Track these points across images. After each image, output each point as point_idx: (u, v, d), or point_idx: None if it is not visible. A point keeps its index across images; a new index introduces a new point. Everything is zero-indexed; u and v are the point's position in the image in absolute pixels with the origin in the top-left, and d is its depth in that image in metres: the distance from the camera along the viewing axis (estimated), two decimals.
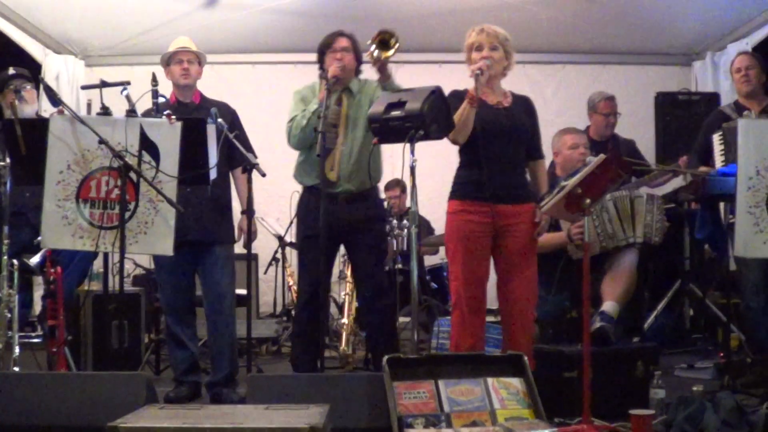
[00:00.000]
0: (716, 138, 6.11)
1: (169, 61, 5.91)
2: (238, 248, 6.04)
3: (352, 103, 5.66)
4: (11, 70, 6.13)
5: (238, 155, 5.58)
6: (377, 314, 5.73)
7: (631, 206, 5.85)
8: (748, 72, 6.27)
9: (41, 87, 6.18)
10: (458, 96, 4.96)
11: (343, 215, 5.50)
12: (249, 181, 5.49)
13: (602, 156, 4.59)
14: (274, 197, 8.71)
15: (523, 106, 5.22)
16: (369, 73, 5.71)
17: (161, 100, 5.63)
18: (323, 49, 5.69)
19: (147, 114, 5.52)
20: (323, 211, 5.07)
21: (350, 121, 5.61)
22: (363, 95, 5.69)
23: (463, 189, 5.08)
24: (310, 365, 5.50)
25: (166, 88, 5.88)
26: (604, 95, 7.51)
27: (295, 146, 5.70)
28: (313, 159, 5.50)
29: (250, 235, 5.63)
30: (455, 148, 5.11)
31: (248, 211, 5.57)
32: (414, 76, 9.29)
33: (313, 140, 5.41)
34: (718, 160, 6.05)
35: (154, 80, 5.48)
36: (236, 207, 6.03)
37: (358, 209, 5.54)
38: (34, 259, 5.51)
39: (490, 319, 5.34)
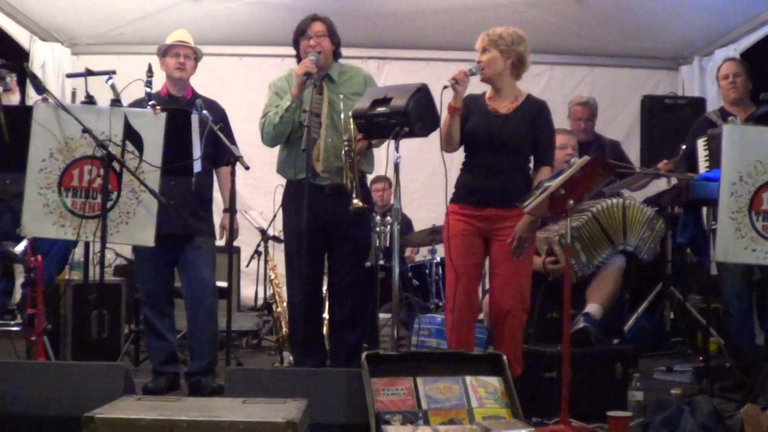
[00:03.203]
0: (701, 143, 6.10)
1: (165, 52, 5.88)
2: (220, 242, 6.03)
3: (334, 90, 5.51)
4: None
5: (222, 149, 5.55)
6: (350, 309, 5.64)
7: (623, 214, 5.81)
8: (735, 79, 6.20)
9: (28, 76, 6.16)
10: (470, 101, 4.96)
11: (328, 208, 5.39)
12: (232, 173, 5.45)
13: (586, 158, 4.59)
14: (259, 191, 8.72)
15: (530, 113, 5.09)
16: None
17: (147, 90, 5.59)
18: (297, 36, 5.57)
19: (138, 104, 5.49)
20: (306, 206, 5.04)
21: (333, 110, 5.44)
22: (345, 82, 5.59)
23: (458, 193, 5.09)
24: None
25: (159, 79, 5.84)
26: (577, 100, 7.52)
27: (269, 143, 5.60)
28: (297, 153, 5.43)
29: (232, 230, 5.59)
30: (438, 148, 5.05)
31: (231, 206, 5.53)
32: (402, 73, 9.39)
33: (294, 135, 5.39)
34: (702, 165, 6.05)
35: (150, 71, 5.42)
36: (219, 204, 6.02)
37: (344, 202, 5.26)
38: (19, 247, 5.48)
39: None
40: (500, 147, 4.99)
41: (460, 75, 4.83)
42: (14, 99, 6.10)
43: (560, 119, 7.57)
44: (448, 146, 4.94)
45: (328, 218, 5.41)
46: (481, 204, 4.97)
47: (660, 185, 8.23)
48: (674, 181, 6.90)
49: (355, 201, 5.13)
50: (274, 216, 7.88)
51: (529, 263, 5.09)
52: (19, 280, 6.49)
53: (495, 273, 5.03)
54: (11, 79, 6.09)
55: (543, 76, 9.90)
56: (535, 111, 5.12)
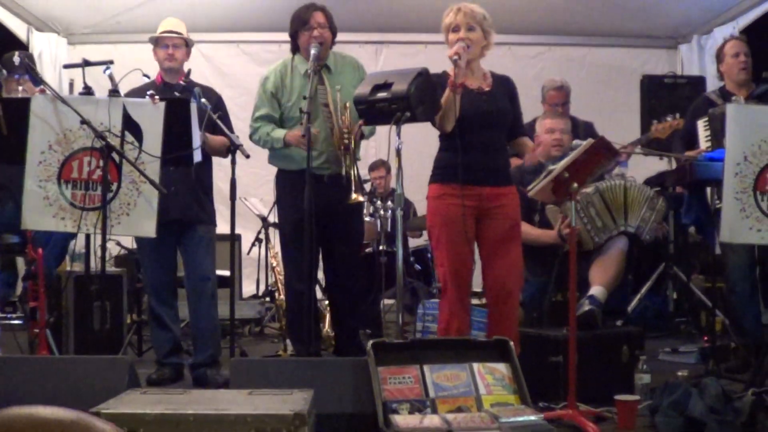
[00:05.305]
0: (701, 124, 6.06)
1: (156, 42, 5.86)
2: (221, 228, 6.01)
3: (333, 81, 5.54)
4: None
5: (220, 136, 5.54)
6: (349, 296, 5.68)
7: (624, 195, 5.76)
8: (747, 59, 6.11)
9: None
10: (437, 81, 4.87)
11: (326, 197, 5.37)
12: (233, 162, 5.42)
13: (590, 140, 4.56)
14: (259, 178, 8.66)
15: (504, 88, 5.14)
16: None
17: (146, 80, 5.58)
18: (298, 26, 5.57)
19: (136, 91, 5.47)
20: (309, 195, 5.01)
21: (333, 100, 5.46)
22: (340, 72, 5.63)
23: (445, 172, 4.98)
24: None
25: (154, 67, 5.86)
26: (554, 84, 7.41)
27: (260, 145, 5.73)
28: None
29: (234, 216, 5.55)
30: (436, 132, 5.03)
31: (231, 193, 5.50)
32: (400, 57, 9.35)
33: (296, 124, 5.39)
34: (703, 145, 6.01)
35: (145, 75, 5.44)
36: (219, 192, 6.00)
37: (340, 191, 5.33)
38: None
39: (474, 302, 5.31)
40: (492, 124, 5.00)
41: (461, 49, 4.81)
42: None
43: None
44: (449, 123, 4.87)
45: (326, 207, 5.39)
46: (476, 182, 4.91)
47: (662, 166, 8.23)
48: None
49: (354, 195, 5.14)
50: (275, 203, 7.88)
51: (521, 241, 5.11)
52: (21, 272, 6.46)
53: (497, 253, 5.00)
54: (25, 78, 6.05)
55: (541, 58, 9.88)
56: (508, 85, 5.19)
